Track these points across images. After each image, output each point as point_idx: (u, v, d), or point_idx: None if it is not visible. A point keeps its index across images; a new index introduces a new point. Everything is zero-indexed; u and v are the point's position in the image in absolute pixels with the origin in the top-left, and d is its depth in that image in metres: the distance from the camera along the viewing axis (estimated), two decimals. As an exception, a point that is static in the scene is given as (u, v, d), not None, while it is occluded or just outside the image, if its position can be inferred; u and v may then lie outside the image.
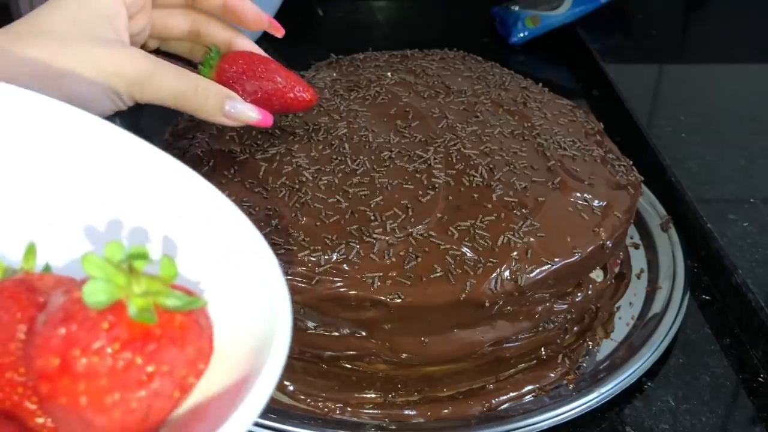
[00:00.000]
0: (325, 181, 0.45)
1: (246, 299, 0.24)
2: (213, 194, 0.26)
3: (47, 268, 0.25)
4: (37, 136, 0.27)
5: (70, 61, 0.38)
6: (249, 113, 0.43)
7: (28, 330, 0.22)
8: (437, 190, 0.45)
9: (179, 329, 0.21)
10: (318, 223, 0.43)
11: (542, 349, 0.46)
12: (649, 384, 0.46)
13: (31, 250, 0.24)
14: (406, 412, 0.43)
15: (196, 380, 0.22)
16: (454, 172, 0.46)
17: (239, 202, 0.44)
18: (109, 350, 0.20)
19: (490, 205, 0.44)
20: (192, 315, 0.21)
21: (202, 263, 0.25)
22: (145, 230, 0.26)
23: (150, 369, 0.20)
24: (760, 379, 0.46)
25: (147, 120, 0.80)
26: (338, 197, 0.44)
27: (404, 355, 0.42)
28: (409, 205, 0.44)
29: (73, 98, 0.29)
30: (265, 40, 0.92)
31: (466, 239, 0.42)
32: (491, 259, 0.41)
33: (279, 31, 0.48)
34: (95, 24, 0.40)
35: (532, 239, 0.42)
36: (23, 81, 0.32)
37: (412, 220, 0.43)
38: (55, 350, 0.20)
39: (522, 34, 0.91)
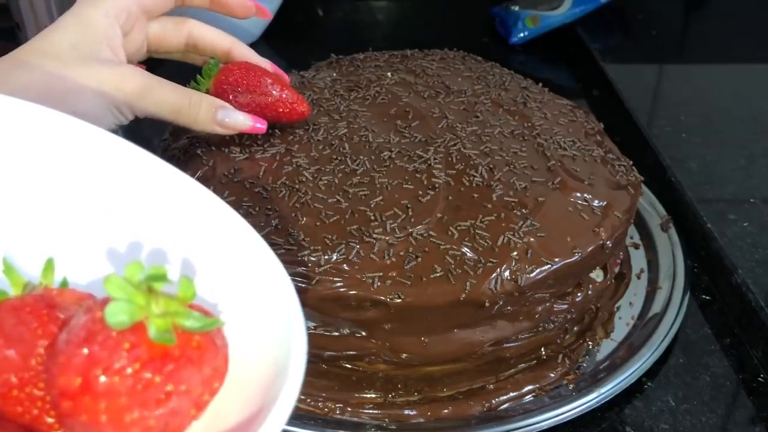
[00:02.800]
0: (325, 181, 0.45)
1: (262, 320, 0.24)
2: (229, 215, 0.26)
3: (64, 283, 0.25)
4: (57, 155, 0.28)
5: (74, 81, 0.41)
6: (242, 121, 0.46)
7: (49, 346, 0.22)
8: (437, 190, 0.45)
9: (197, 349, 0.21)
10: (318, 223, 0.43)
11: (542, 349, 0.46)
12: (649, 384, 0.46)
13: (49, 266, 0.25)
14: (406, 412, 0.43)
15: (210, 398, 0.22)
16: (454, 172, 0.46)
17: (239, 202, 0.44)
18: (129, 370, 0.20)
19: (490, 205, 0.44)
20: (209, 335, 0.22)
21: (218, 284, 0.26)
22: (162, 250, 0.27)
23: (168, 388, 0.21)
24: (760, 379, 0.46)
25: (147, 120, 0.80)
26: (338, 197, 0.44)
27: (404, 355, 0.42)
28: (409, 205, 0.44)
29: (77, 115, 0.30)
30: (265, 40, 0.92)
31: (466, 239, 0.42)
32: (491, 259, 0.41)
33: (266, 15, 0.51)
34: (94, 46, 0.42)
35: (532, 239, 0.42)
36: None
37: (412, 220, 0.43)
38: (78, 369, 0.20)
39: (522, 34, 0.91)
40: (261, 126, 0.46)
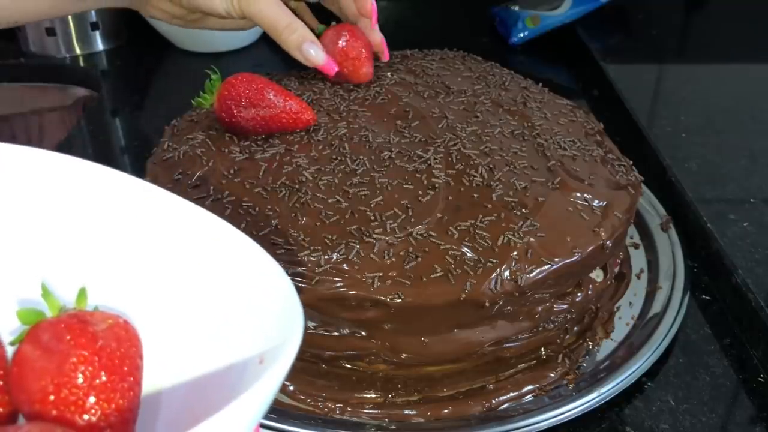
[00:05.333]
0: (325, 181, 0.45)
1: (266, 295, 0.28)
2: (229, 230, 0.30)
3: (96, 309, 0.28)
4: (87, 200, 0.31)
5: None
6: (317, 58, 0.53)
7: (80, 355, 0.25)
8: (437, 190, 0.45)
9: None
10: (318, 223, 0.43)
11: (542, 349, 0.46)
12: (649, 384, 0.45)
13: (82, 294, 0.27)
14: (406, 412, 0.43)
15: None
16: (454, 172, 0.46)
17: (239, 202, 0.44)
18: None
19: (490, 205, 0.44)
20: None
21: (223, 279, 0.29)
22: (180, 269, 0.30)
23: None
24: (760, 379, 0.46)
25: (147, 120, 0.80)
26: (338, 197, 0.44)
27: (404, 355, 0.42)
28: (409, 205, 0.44)
29: None
30: (265, 41, 0.92)
31: (466, 239, 0.42)
32: (491, 259, 0.41)
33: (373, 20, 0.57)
34: None
35: (532, 239, 0.42)
36: None
37: (412, 220, 0.43)
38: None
39: (522, 34, 0.91)
40: (331, 69, 0.53)
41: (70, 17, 0.90)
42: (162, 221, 0.30)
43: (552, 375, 0.45)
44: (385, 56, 0.59)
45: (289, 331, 0.24)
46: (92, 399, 0.24)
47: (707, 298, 0.53)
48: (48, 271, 0.29)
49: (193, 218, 0.30)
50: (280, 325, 0.25)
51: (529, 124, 0.52)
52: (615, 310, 0.50)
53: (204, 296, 0.29)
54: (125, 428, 0.25)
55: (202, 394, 0.27)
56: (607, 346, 0.47)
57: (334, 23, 0.57)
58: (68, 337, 0.24)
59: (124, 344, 0.25)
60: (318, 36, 0.54)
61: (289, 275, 0.40)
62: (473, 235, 0.42)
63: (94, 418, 0.24)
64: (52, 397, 0.24)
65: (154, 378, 0.28)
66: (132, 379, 0.25)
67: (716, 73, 0.82)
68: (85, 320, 0.25)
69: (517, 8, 0.92)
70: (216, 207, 0.44)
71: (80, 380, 0.24)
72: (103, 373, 0.24)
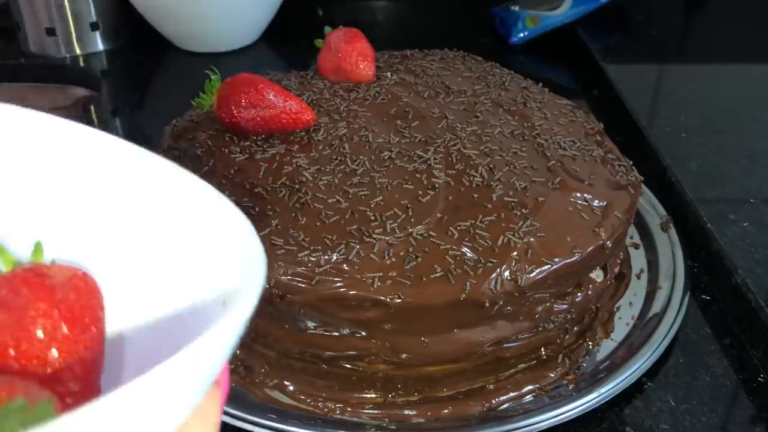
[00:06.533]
0: (325, 181, 0.45)
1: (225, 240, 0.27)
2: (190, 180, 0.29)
3: (53, 263, 0.27)
4: (41, 152, 0.30)
5: None
6: None
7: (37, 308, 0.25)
8: (437, 190, 0.45)
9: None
10: (318, 223, 0.43)
11: (542, 349, 0.46)
12: (649, 384, 0.45)
13: (38, 248, 0.26)
14: (406, 412, 0.43)
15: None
16: (454, 172, 0.46)
17: (239, 203, 0.44)
18: None
19: (490, 205, 0.44)
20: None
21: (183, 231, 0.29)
22: (135, 220, 0.29)
23: None
24: (760, 379, 0.46)
25: (147, 120, 0.80)
26: (338, 197, 0.44)
27: (404, 355, 0.42)
28: (409, 205, 0.44)
29: None
30: (265, 41, 0.92)
31: (466, 239, 0.42)
32: (491, 259, 0.41)
33: None
34: None
35: (532, 239, 0.42)
36: None
37: (412, 220, 0.43)
38: None
39: (522, 34, 0.91)
40: None
41: (69, 17, 0.90)
42: (114, 168, 0.30)
43: (552, 375, 0.45)
44: None
45: (252, 273, 0.24)
46: (54, 352, 0.24)
47: (707, 298, 0.53)
48: None
49: (146, 164, 0.29)
50: (242, 269, 0.25)
51: (529, 124, 0.52)
52: (615, 310, 0.50)
53: (163, 243, 0.29)
54: (90, 379, 0.25)
55: (167, 339, 0.27)
56: (607, 346, 0.47)
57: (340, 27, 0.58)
58: (25, 291, 0.24)
59: (84, 296, 0.25)
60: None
61: (289, 275, 0.40)
62: (473, 235, 0.42)
63: (57, 371, 0.24)
64: (12, 352, 0.24)
65: (118, 326, 0.28)
66: (94, 329, 0.25)
67: (716, 73, 0.82)
68: (41, 273, 0.25)
69: (517, 8, 0.92)
70: (216, 207, 0.44)
71: (40, 333, 0.23)
72: (63, 325, 0.24)
